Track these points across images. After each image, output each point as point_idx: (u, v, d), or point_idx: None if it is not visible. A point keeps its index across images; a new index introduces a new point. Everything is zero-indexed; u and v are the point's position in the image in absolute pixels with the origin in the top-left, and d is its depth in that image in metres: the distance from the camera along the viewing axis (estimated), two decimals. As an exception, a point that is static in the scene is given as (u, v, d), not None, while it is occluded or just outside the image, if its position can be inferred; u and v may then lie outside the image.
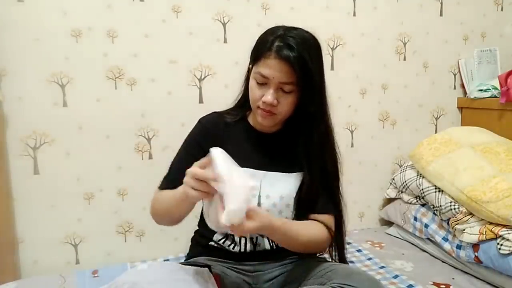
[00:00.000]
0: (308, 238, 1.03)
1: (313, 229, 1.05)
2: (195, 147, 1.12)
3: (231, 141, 1.11)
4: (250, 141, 1.12)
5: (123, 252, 1.63)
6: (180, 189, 0.92)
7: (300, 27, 1.04)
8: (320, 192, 1.09)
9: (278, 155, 1.11)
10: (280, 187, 1.08)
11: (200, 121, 1.17)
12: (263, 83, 1.00)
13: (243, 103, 1.15)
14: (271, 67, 0.98)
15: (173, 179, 1.10)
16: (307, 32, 1.03)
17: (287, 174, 1.09)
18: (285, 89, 1.00)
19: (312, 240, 1.04)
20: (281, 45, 0.97)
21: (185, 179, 0.87)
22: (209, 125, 1.14)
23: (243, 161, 1.08)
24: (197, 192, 0.85)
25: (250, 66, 1.07)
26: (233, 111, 1.17)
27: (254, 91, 1.03)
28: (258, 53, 1.01)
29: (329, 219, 1.10)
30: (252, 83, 1.04)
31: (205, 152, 1.10)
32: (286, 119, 1.08)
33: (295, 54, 0.96)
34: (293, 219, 1.10)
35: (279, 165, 1.10)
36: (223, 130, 1.13)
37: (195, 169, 0.86)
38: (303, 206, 1.09)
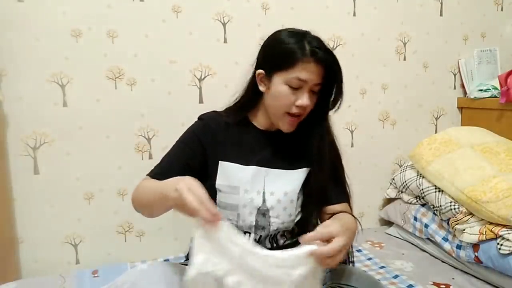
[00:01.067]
0: (352, 228, 1.00)
1: (349, 218, 1.03)
2: (194, 141, 1.11)
3: (232, 140, 1.12)
4: (252, 139, 1.12)
5: (123, 252, 1.63)
6: (166, 186, 0.86)
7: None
8: (331, 185, 1.10)
9: (281, 152, 1.11)
10: (284, 183, 1.08)
11: (200, 117, 1.16)
12: (299, 87, 1.01)
13: (244, 106, 1.14)
14: (311, 71, 1.00)
15: (165, 169, 1.10)
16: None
17: (290, 171, 1.10)
18: (315, 90, 1.03)
19: (354, 228, 1.02)
20: (315, 50, 0.99)
21: (188, 186, 0.80)
22: (211, 122, 1.13)
23: (245, 160, 1.09)
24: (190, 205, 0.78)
25: (263, 72, 1.05)
26: (232, 111, 1.16)
27: (287, 97, 1.02)
28: (291, 59, 1.00)
29: (346, 207, 1.10)
30: (283, 89, 1.02)
31: (203, 147, 1.10)
32: None
33: (332, 58, 1.02)
34: (300, 214, 1.11)
35: (282, 162, 1.10)
36: (224, 130, 1.13)
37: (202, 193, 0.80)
38: (314, 201, 1.09)
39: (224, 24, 1.64)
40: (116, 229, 1.62)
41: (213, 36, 1.64)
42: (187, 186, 0.79)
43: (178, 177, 0.86)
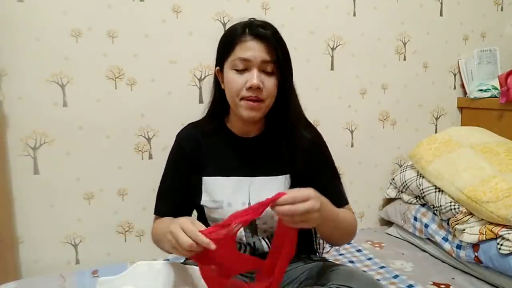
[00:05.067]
0: (346, 221, 1.01)
1: (347, 214, 1.05)
2: (177, 169, 1.11)
3: (211, 151, 1.09)
4: (232, 148, 1.09)
5: (123, 252, 1.63)
6: (165, 232, 0.88)
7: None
8: (327, 188, 1.09)
9: (262, 159, 1.08)
10: (269, 192, 1.05)
11: (176, 138, 1.14)
12: (244, 68, 0.98)
13: (214, 111, 1.12)
14: (250, 48, 0.97)
15: (163, 208, 1.12)
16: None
17: (273, 177, 1.07)
18: (268, 69, 0.98)
19: (349, 223, 1.03)
20: (253, 26, 0.98)
21: (172, 230, 0.82)
22: (184, 142, 1.11)
23: (227, 170, 1.06)
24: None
25: (218, 68, 1.06)
26: (207, 120, 1.13)
27: (235, 81, 0.98)
28: (230, 43, 1.00)
29: (348, 208, 1.09)
30: (230, 75, 1.00)
31: (185, 171, 1.08)
32: (268, 116, 1.06)
33: (271, 31, 0.98)
34: None
35: (264, 169, 1.07)
36: (201, 142, 1.10)
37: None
38: None
39: (224, 24, 1.64)
40: (116, 229, 1.62)
41: (213, 36, 1.63)
42: (179, 226, 0.81)
43: (173, 220, 0.87)
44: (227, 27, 1.63)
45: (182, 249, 0.80)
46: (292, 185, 1.06)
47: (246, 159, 1.08)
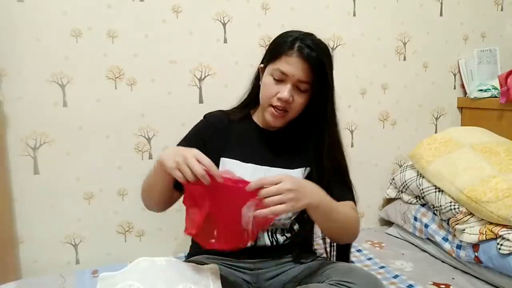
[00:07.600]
0: (345, 214, 1.02)
1: (347, 207, 1.06)
2: (197, 140, 1.13)
3: (234, 137, 1.14)
4: (254, 137, 1.15)
5: (123, 252, 1.63)
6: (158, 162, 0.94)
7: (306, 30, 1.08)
8: (335, 186, 1.10)
9: (281, 151, 1.13)
10: None
11: (205, 116, 1.20)
12: (281, 79, 1.03)
13: (248, 103, 1.19)
14: (292, 64, 1.01)
15: None
16: (319, 39, 1.07)
17: (290, 170, 1.11)
18: (301, 87, 1.04)
19: (348, 216, 1.03)
20: (302, 45, 1.01)
21: (184, 153, 0.86)
22: (213, 120, 1.17)
23: (246, 156, 1.11)
24: (185, 173, 0.85)
25: (262, 65, 1.10)
26: (237, 109, 1.20)
27: (270, 88, 1.05)
28: (278, 51, 1.04)
29: (351, 204, 1.10)
30: (268, 80, 1.06)
31: (205, 145, 1.11)
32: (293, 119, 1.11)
33: (316, 55, 1.01)
34: (298, 212, 1.11)
35: (282, 161, 1.12)
36: (227, 126, 1.15)
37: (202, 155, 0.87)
38: None
39: (224, 24, 1.64)
40: (116, 229, 1.62)
41: (213, 36, 1.64)
42: (193, 153, 0.86)
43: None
44: (227, 27, 1.64)
45: (190, 174, 0.84)
46: (308, 179, 1.09)
47: (265, 150, 1.13)
